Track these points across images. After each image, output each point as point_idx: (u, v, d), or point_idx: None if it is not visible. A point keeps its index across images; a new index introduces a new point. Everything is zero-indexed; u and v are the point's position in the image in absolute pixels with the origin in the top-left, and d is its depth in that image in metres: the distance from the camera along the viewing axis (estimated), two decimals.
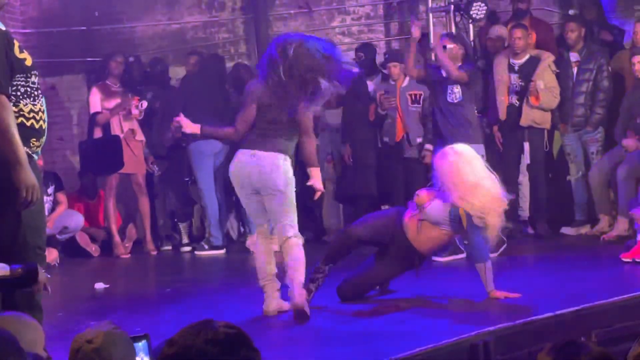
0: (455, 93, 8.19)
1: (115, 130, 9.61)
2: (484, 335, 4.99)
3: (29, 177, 4.11)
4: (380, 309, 6.02)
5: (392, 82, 9.21)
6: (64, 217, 9.73)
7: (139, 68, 10.34)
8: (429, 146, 8.84)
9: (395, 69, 9.14)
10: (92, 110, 9.72)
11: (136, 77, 10.21)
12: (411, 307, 6.01)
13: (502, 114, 8.94)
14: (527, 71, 8.87)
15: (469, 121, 8.17)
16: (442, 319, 5.57)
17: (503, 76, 8.95)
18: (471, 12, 9.60)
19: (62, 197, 9.81)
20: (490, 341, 4.95)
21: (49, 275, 3.84)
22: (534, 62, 8.89)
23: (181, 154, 9.77)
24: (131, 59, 10.30)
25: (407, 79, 9.17)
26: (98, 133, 9.66)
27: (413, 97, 9.13)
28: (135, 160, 9.74)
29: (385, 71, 9.46)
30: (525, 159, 8.99)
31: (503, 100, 8.95)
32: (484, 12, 9.58)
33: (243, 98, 6.24)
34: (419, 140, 9.06)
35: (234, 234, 10.25)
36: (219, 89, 9.55)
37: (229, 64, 10.69)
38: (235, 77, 10.04)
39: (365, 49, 9.89)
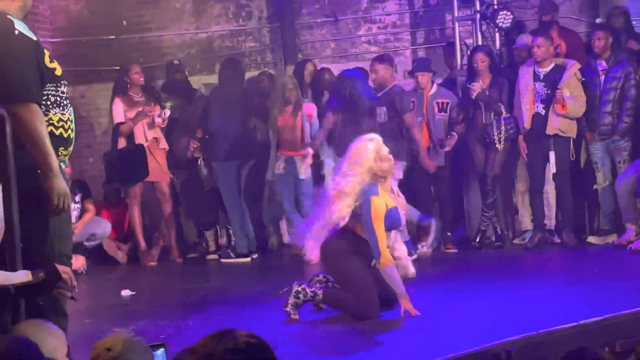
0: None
1: (140, 139, 9.66)
2: (506, 345, 4.98)
3: (61, 184, 4.15)
4: (399, 318, 6.01)
5: (420, 91, 9.21)
6: (91, 225, 9.81)
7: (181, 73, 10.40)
8: (447, 148, 8.99)
9: (423, 78, 9.14)
10: (115, 121, 9.78)
11: (180, 80, 10.25)
12: (432, 315, 6.00)
13: (527, 123, 8.92)
14: (553, 79, 8.84)
15: None
16: (463, 327, 5.55)
17: (528, 85, 8.93)
18: (497, 21, 9.60)
19: (89, 204, 9.89)
20: (513, 350, 4.94)
21: (75, 284, 3.87)
22: (559, 71, 8.86)
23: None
24: (176, 61, 10.39)
25: (435, 87, 9.18)
26: (122, 143, 9.71)
27: (440, 105, 9.13)
28: (160, 168, 9.79)
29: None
30: (551, 167, 8.95)
31: (528, 109, 8.93)
32: (510, 20, 9.57)
33: None
34: (447, 148, 9.07)
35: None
36: (238, 92, 9.54)
37: (255, 72, 10.74)
38: (259, 86, 10.09)
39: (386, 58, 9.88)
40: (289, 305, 6.13)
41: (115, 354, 2.71)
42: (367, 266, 6.18)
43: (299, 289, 6.16)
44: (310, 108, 9.28)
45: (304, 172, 9.11)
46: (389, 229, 6.10)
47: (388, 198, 6.16)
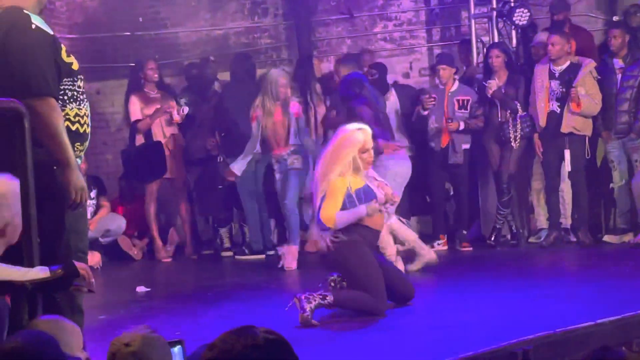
0: None
1: (158, 136, 9.69)
2: (523, 344, 4.96)
3: (78, 179, 4.15)
4: (416, 316, 6.00)
5: (441, 87, 9.12)
6: (106, 221, 9.83)
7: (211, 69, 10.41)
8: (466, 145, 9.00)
9: (445, 72, 9.05)
10: (132, 118, 9.80)
11: (210, 76, 10.25)
12: (448, 314, 5.99)
13: (543, 121, 8.88)
14: (568, 78, 8.80)
15: None
16: (480, 326, 5.53)
17: (543, 83, 8.89)
18: (514, 18, 9.57)
19: (104, 201, 9.91)
20: (530, 349, 4.92)
21: (93, 280, 3.87)
22: (574, 69, 8.82)
23: (214, 161, 9.81)
24: (212, 58, 10.40)
25: (456, 83, 9.11)
26: (140, 140, 9.73)
27: (460, 102, 9.06)
28: (176, 165, 9.81)
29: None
30: (566, 166, 8.92)
31: (543, 107, 8.89)
32: (527, 18, 9.54)
33: None
34: (465, 146, 9.01)
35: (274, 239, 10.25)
36: (251, 88, 9.51)
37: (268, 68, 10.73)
38: None
39: (378, 67, 9.86)
40: (307, 311, 6.05)
41: (134, 349, 2.71)
42: (376, 259, 6.18)
43: (307, 296, 6.06)
44: (296, 106, 9.00)
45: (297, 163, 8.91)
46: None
47: (358, 180, 6.18)
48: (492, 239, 9.12)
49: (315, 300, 5.98)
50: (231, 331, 2.28)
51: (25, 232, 3.47)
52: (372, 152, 6.32)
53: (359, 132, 6.28)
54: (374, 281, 6.04)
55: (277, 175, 9.01)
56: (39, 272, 3.35)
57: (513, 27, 9.75)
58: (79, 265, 3.61)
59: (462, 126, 8.96)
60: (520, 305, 6.10)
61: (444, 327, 5.59)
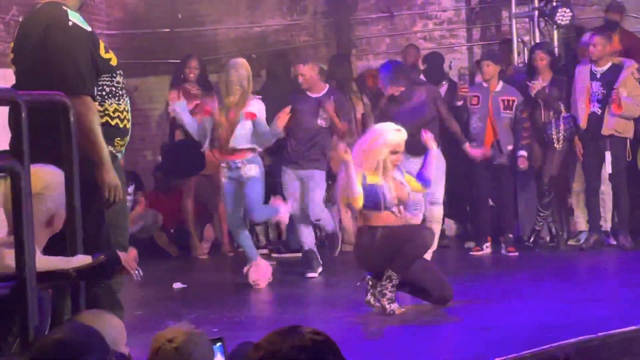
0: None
1: None
2: (565, 347, 4.90)
3: (112, 177, 4.16)
4: (456, 319, 5.96)
5: (485, 85, 8.95)
6: (143, 216, 9.85)
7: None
8: (523, 152, 8.74)
9: (489, 68, 8.86)
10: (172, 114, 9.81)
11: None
12: (488, 316, 5.93)
13: (583, 123, 8.78)
14: (610, 79, 8.70)
15: None
16: (521, 329, 5.47)
17: (584, 84, 8.79)
18: (556, 18, 9.47)
19: (141, 196, 9.94)
20: (572, 353, 4.86)
21: (138, 270, 3.86)
22: (616, 70, 8.71)
23: None
24: (253, 55, 10.40)
25: (501, 83, 8.94)
26: (179, 136, 9.74)
27: (505, 102, 8.86)
28: (216, 162, 9.80)
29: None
30: (607, 168, 8.81)
31: (584, 109, 8.79)
32: (569, 18, 9.44)
33: None
34: (510, 147, 8.86)
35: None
36: (287, 85, 9.47)
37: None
38: None
39: (434, 56, 9.80)
40: (386, 300, 6.05)
41: (177, 345, 2.69)
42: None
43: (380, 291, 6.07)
44: (256, 105, 7.69)
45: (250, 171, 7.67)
46: (366, 205, 6.14)
47: (376, 176, 6.18)
48: (531, 240, 9.03)
49: (386, 289, 6.02)
50: (277, 331, 2.24)
51: (70, 225, 3.47)
52: (401, 155, 6.31)
53: (395, 133, 6.25)
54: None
55: (224, 181, 7.76)
56: (82, 260, 3.35)
57: (555, 27, 9.65)
58: (120, 254, 3.61)
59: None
60: (560, 308, 6.03)
61: (483, 330, 5.53)
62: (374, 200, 6.14)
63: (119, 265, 3.46)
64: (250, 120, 7.52)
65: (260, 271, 7.64)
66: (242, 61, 7.73)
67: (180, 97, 9.60)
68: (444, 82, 9.55)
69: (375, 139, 6.26)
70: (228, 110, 7.54)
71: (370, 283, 6.19)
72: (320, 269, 8.08)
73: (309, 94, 8.37)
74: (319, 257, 8.17)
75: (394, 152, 6.22)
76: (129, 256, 3.51)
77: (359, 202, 6.07)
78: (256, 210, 7.62)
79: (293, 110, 7.86)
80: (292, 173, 8.36)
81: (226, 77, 7.60)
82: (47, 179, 3.57)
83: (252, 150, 7.62)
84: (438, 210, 8.44)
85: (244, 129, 7.51)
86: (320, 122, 8.30)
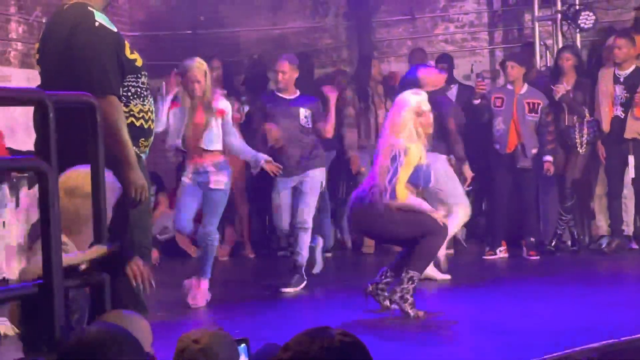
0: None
1: None
2: (588, 352, 4.88)
3: (138, 177, 4.17)
4: (478, 323, 5.94)
5: (510, 87, 8.86)
6: (164, 218, 9.87)
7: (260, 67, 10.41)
8: (549, 157, 8.70)
9: (513, 70, 8.78)
10: None
11: (258, 76, 10.26)
12: (510, 320, 5.91)
13: (606, 126, 8.74)
14: (633, 82, 8.66)
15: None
16: (544, 333, 5.45)
17: (608, 87, 8.74)
18: (579, 22, 9.43)
19: (162, 197, 9.96)
20: (595, 357, 4.84)
21: (153, 281, 3.86)
22: (639, 73, 8.68)
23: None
24: (255, 56, 10.41)
25: (526, 86, 8.88)
26: None
27: (531, 105, 8.80)
28: (237, 164, 9.81)
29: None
30: (630, 172, 8.76)
31: (607, 112, 8.75)
32: (592, 21, 9.41)
33: None
34: (534, 151, 8.80)
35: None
36: (310, 88, 9.45)
37: (330, 69, 10.73)
38: (331, 83, 10.04)
39: (446, 59, 9.78)
40: (408, 305, 6.04)
41: (203, 346, 2.70)
42: None
43: (400, 296, 6.06)
44: (222, 102, 7.15)
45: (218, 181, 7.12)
46: (413, 183, 6.12)
47: (424, 154, 6.18)
48: (553, 244, 8.99)
49: (407, 292, 5.97)
50: (305, 332, 2.24)
51: (96, 225, 3.49)
52: (429, 115, 6.27)
53: (412, 95, 6.27)
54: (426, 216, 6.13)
55: (185, 181, 7.18)
56: (97, 249, 3.36)
57: (578, 30, 9.60)
58: (135, 263, 3.56)
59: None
60: (583, 312, 6.01)
61: (506, 334, 5.52)
62: (417, 180, 6.14)
63: (132, 256, 3.45)
64: (219, 118, 7.02)
65: (204, 293, 7.04)
66: (200, 60, 7.12)
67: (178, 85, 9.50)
68: (452, 86, 9.51)
69: (397, 106, 6.28)
70: (194, 110, 7.03)
71: (370, 288, 6.18)
72: (302, 285, 7.57)
73: (283, 95, 7.88)
74: (304, 274, 7.64)
75: (419, 114, 6.19)
76: (138, 262, 3.48)
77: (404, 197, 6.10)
78: (215, 223, 7.11)
79: (270, 115, 7.71)
80: (284, 181, 7.76)
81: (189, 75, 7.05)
82: None
83: (223, 152, 7.11)
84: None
85: (215, 127, 7.01)
86: (302, 120, 7.78)
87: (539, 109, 8.79)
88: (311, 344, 2.16)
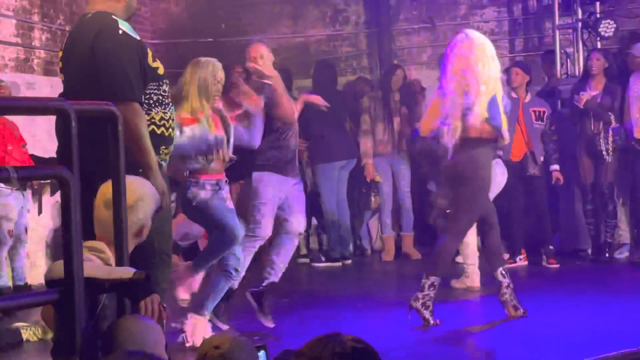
0: None
1: None
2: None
3: (160, 183, 4.20)
4: (501, 328, 5.95)
5: (514, 96, 8.79)
6: (185, 224, 9.89)
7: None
8: (555, 166, 8.70)
9: (517, 76, 8.76)
10: None
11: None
12: (533, 326, 5.92)
13: (637, 132, 8.65)
14: None
15: None
16: (564, 339, 5.46)
17: (638, 93, 8.68)
18: (599, 30, 9.41)
19: None
20: None
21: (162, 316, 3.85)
22: None
23: None
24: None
25: (529, 95, 8.91)
26: None
27: (537, 113, 8.84)
28: None
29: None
30: None
31: (638, 119, 8.68)
32: (613, 30, 9.38)
33: None
34: (541, 158, 8.83)
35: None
36: (333, 95, 9.48)
37: (351, 77, 10.76)
38: (354, 90, 10.09)
39: None
40: (428, 312, 6.07)
41: (223, 351, 2.72)
42: None
43: (422, 303, 6.08)
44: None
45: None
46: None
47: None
48: (607, 254, 8.89)
49: (428, 299, 6.01)
50: (318, 338, 2.27)
51: (117, 234, 3.52)
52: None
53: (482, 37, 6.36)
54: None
55: (204, 196, 6.09)
56: (124, 272, 3.40)
57: (598, 38, 9.58)
58: (152, 300, 3.54)
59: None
60: (604, 320, 6.02)
61: (526, 342, 5.52)
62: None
63: (151, 290, 3.47)
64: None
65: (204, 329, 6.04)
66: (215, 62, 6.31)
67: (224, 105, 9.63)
68: None
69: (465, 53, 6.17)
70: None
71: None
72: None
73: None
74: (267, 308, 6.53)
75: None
76: (155, 300, 3.47)
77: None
78: None
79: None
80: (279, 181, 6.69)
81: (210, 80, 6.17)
82: (140, 191, 3.72)
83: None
84: None
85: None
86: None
87: (545, 116, 8.81)
88: (323, 350, 2.18)
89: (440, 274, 6.13)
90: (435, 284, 6.06)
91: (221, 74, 6.21)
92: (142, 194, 3.69)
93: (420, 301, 6.05)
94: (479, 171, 6.15)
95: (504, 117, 6.22)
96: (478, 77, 5.99)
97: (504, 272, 6.19)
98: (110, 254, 3.55)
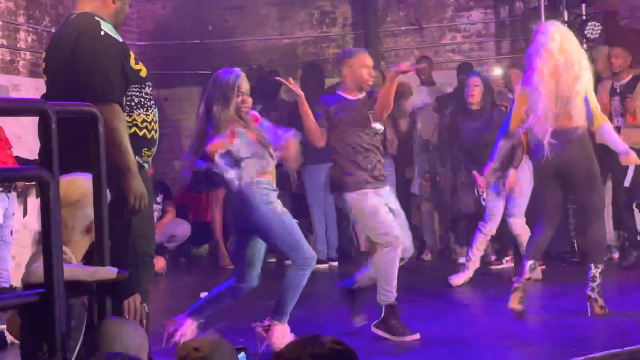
0: None
1: None
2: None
3: (138, 185, 4.18)
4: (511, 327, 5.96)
5: (511, 97, 8.86)
6: (171, 226, 9.90)
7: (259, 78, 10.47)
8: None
9: (517, 77, 8.81)
10: None
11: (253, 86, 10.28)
12: (531, 328, 5.94)
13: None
14: (629, 91, 8.66)
15: None
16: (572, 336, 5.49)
17: (603, 99, 8.71)
18: (585, 32, 9.43)
19: (170, 206, 9.99)
20: None
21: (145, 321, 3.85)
22: (635, 82, 8.68)
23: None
24: (254, 66, 10.45)
25: None
26: None
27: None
28: None
29: None
30: (626, 182, 8.73)
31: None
32: (599, 32, 9.41)
33: None
34: None
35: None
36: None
37: (338, 79, 10.73)
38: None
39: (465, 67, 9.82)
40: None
41: (203, 354, 2.72)
42: None
43: None
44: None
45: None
46: None
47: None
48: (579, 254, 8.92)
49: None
50: (297, 340, 2.26)
51: (98, 235, 3.51)
52: None
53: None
54: None
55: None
56: (107, 272, 3.38)
57: (584, 40, 9.60)
58: (134, 300, 3.52)
59: None
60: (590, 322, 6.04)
61: (524, 344, 5.54)
62: None
63: (133, 290, 3.45)
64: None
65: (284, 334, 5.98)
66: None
67: None
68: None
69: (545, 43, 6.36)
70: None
71: None
72: None
73: None
74: None
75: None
76: (156, 266, 3.51)
77: None
78: None
79: None
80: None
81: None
82: (84, 187, 3.63)
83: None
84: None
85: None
86: None
87: None
88: (302, 352, 2.18)
89: (602, 260, 6.26)
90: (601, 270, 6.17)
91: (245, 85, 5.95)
92: (87, 190, 3.61)
93: (597, 290, 6.16)
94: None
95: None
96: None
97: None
98: (71, 255, 3.51)
